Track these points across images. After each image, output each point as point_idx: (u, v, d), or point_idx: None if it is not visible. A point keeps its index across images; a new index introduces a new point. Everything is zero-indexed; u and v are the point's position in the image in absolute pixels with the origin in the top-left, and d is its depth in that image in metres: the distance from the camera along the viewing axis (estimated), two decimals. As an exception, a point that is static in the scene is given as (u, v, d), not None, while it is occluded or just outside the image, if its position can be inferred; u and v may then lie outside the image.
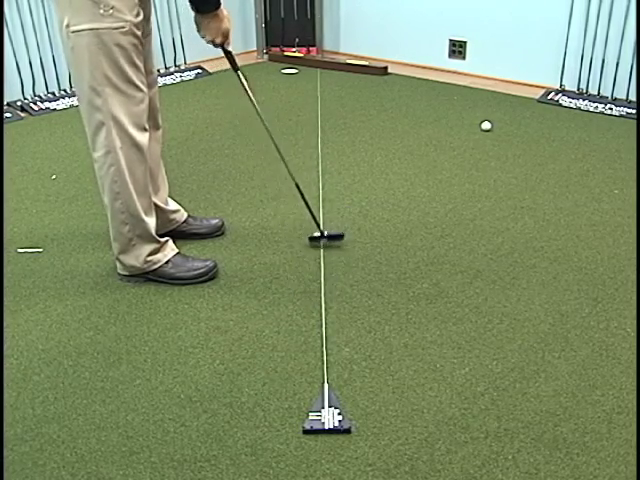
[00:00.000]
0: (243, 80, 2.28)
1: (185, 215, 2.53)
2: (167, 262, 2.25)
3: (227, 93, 4.36)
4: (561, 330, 2.00)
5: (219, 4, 2.09)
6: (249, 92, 2.29)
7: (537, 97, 4.13)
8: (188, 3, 2.08)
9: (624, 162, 3.18)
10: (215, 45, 2.17)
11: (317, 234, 2.51)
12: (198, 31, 2.16)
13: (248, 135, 3.59)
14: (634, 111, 3.79)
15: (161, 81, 4.47)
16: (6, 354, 1.93)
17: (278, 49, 5.19)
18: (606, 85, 4.01)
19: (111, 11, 1.88)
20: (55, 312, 2.13)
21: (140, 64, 2.01)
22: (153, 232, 2.21)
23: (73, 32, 1.90)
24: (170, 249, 2.29)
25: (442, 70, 4.74)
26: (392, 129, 3.67)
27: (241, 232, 2.60)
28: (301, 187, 2.44)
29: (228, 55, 2.23)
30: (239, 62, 2.30)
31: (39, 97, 4.17)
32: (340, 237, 2.53)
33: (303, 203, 2.46)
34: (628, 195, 2.84)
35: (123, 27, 1.91)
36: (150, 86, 2.14)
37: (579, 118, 3.81)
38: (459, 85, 4.45)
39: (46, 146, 3.52)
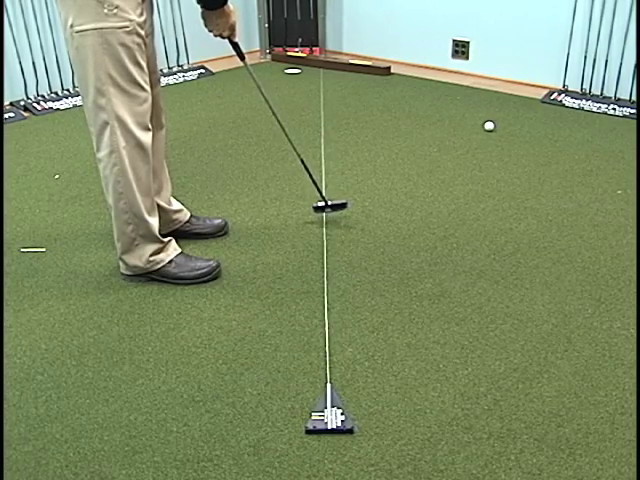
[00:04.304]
0: (250, 68, 2.35)
1: (188, 215, 2.53)
2: (170, 262, 2.25)
3: (230, 93, 4.36)
4: (564, 330, 2.00)
5: (226, 0, 2.10)
6: (255, 78, 2.37)
7: (540, 97, 4.13)
8: (195, 0, 2.09)
9: (627, 162, 3.18)
10: (222, 37, 2.23)
11: (321, 204, 2.59)
12: (205, 26, 2.17)
13: (251, 135, 3.60)
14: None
15: (164, 81, 4.48)
16: (9, 353, 1.93)
17: (281, 49, 5.20)
18: (609, 85, 4.01)
19: (115, 10, 1.88)
20: (58, 311, 2.13)
21: (144, 63, 2.01)
22: (156, 232, 2.21)
23: (77, 32, 1.90)
24: (173, 249, 2.29)
25: (445, 70, 4.74)
26: (395, 129, 3.67)
27: (244, 232, 2.60)
28: (305, 162, 2.56)
29: (235, 46, 2.31)
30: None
31: (42, 97, 4.17)
32: (343, 206, 2.63)
33: (308, 178, 2.55)
34: (631, 195, 2.84)
35: (127, 26, 1.91)
36: (153, 85, 2.14)
37: (582, 118, 3.81)
38: (462, 85, 4.45)
39: (49, 146, 3.53)
